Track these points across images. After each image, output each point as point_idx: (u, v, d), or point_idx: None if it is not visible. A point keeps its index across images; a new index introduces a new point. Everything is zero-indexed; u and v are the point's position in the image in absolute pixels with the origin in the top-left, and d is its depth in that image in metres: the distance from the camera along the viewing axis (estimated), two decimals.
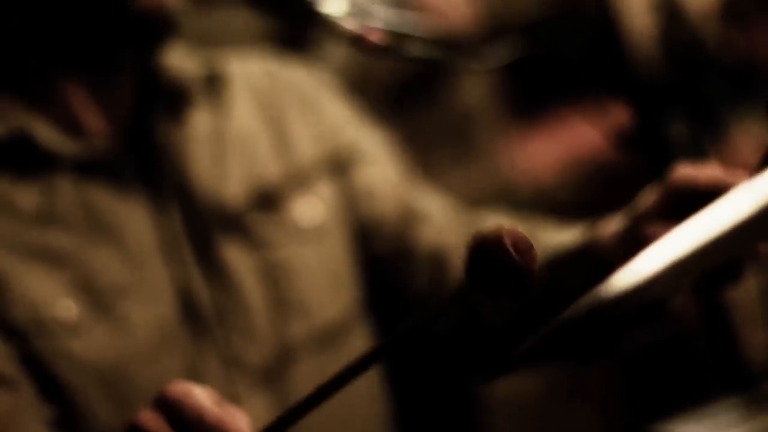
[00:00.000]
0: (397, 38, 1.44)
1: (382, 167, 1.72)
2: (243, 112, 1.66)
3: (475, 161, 3.44)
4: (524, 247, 0.87)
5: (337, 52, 2.53)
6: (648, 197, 1.36)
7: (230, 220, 1.58)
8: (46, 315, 1.45)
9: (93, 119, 1.54)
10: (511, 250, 0.86)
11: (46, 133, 1.51)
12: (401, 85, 3.00)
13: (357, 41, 1.40)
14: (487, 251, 0.86)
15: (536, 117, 3.48)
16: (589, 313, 0.89)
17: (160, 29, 1.52)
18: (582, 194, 3.51)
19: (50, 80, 1.53)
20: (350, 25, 1.40)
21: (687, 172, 1.33)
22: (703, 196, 1.23)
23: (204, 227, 1.56)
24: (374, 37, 1.38)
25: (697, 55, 3.53)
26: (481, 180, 3.41)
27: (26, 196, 1.49)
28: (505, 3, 3.49)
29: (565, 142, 3.50)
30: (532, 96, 3.41)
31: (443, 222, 1.69)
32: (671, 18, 3.54)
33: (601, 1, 3.46)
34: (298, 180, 1.64)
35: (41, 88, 1.53)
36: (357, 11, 1.44)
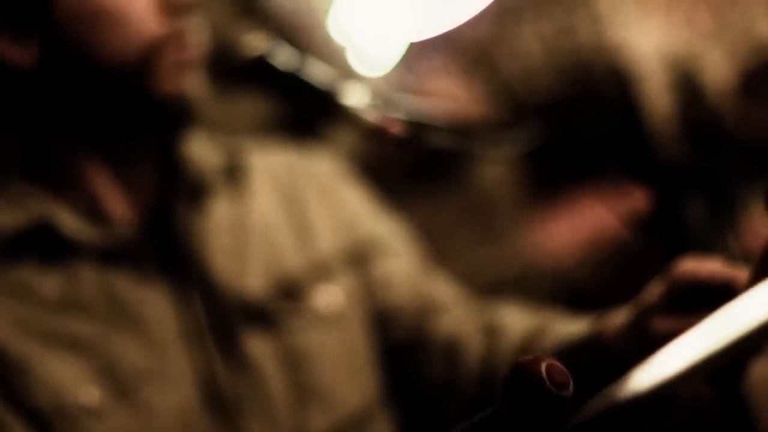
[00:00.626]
0: (418, 128, 1.45)
1: (399, 258, 1.73)
2: (264, 202, 1.69)
3: (496, 243, 3.47)
4: (560, 380, 0.87)
5: (355, 136, 2.57)
6: (653, 290, 1.36)
7: (251, 310, 1.59)
8: (68, 401, 1.46)
9: (116, 206, 1.56)
10: (547, 380, 0.86)
11: (69, 221, 1.53)
12: (421, 167, 3.02)
13: (378, 133, 1.42)
14: (523, 379, 0.87)
15: (556, 199, 3.49)
16: (603, 414, 0.89)
17: (182, 117, 1.55)
18: (601, 276, 3.52)
19: (73, 167, 1.55)
20: (371, 116, 1.41)
21: (690, 266, 1.33)
22: (707, 290, 1.24)
23: (225, 316, 1.57)
24: (395, 128, 1.40)
25: (716, 133, 3.55)
26: (501, 262, 3.43)
27: (49, 284, 1.51)
28: (524, 85, 3.53)
29: (584, 225, 3.51)
30: (551, 178, 3.43)
31: (458, 313, 1.70)
32: (690, 97, 3.57)
33: (620, 82, 3.50)
34: (319, 269, 1.66)
35: (64, 174, 1.56)
36: (377, 102, 1.46)
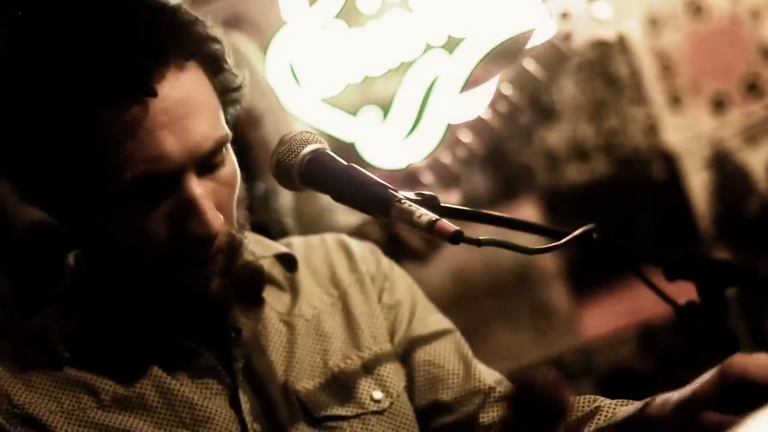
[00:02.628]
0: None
1: (446, 344, 1.74)
2: (312, 293, 1.71)
3: (551, 328, 3.50)
4: (553, 387, 0.94)
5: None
6: (703, 383, 1.38)
7: (302, 404, 1.62)
8: None
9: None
10: (542, 385, 0.94)
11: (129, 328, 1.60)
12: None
13: (432, 229, 1.42)
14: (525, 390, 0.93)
15: (605, 285, 3.51)
16: None
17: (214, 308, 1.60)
18: (645, 362, 3.53)
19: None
20: (427, 214, 1.43)
21: (740, 362, 1.35)
22: (755, 385, 1.26)
23: (277, 412, 1.60)
24: (450, 227, 1.40)
25: (758, 214, 3.56)
26: (557, 346, 3.45)
27: (107, 383, 1.57)
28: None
29: (634, 311, 3.52)
30: (600, 264, 3.46)
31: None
32: (732, 182, 3.59)
33: (666, 164, 3.52)
34: (367, 363, 1.68)
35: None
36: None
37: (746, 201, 3.66)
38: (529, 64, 2.69)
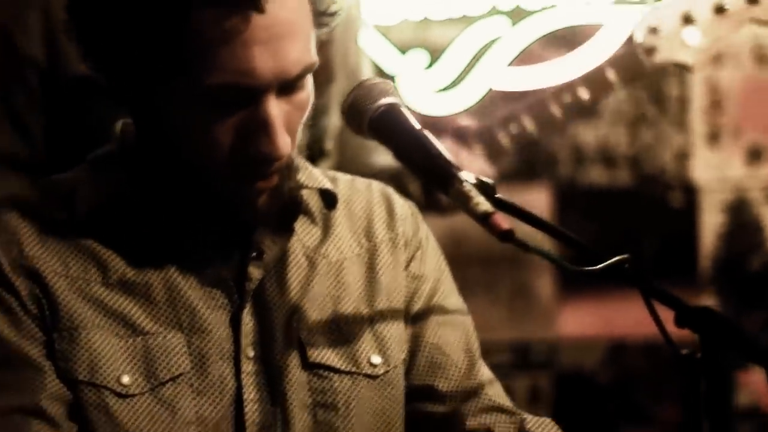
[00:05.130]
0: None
1: (456, 332, 1.72)
2: (343, 237, 1.69)
3: (527, 314, 3.51)
4: None
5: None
6: None
7: (299, 348, 1.61)
8: (100, 377, 1.53)
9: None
10: None
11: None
12: None
13: (486, 221, 1.42)
14: None
15: (592, 289, 3.52)
16: None
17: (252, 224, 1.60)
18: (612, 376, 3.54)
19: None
20: (484, 204, 1.42)
21: None
22: None
23: (273, 348, 1.60)
24: (504, 223, 1.40)
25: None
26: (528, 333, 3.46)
27: (119, 262, 1.57)
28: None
29: (611, 323, 3.53)
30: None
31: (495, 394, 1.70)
32: (745, 232, 3.58)
33: (686, 194, 3.52)
34: (375, 326, 1.66)
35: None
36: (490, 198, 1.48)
37: (752, 255, 3.66)
38: (608, 70, 2.67)
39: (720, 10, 2.51)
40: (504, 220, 1.41)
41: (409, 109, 1.54)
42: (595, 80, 2.67)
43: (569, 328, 3.61)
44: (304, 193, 1.65)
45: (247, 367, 1.58)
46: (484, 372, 1.71)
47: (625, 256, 1.49)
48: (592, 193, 3.65)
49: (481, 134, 2.70)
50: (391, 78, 3.24)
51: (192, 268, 1.58)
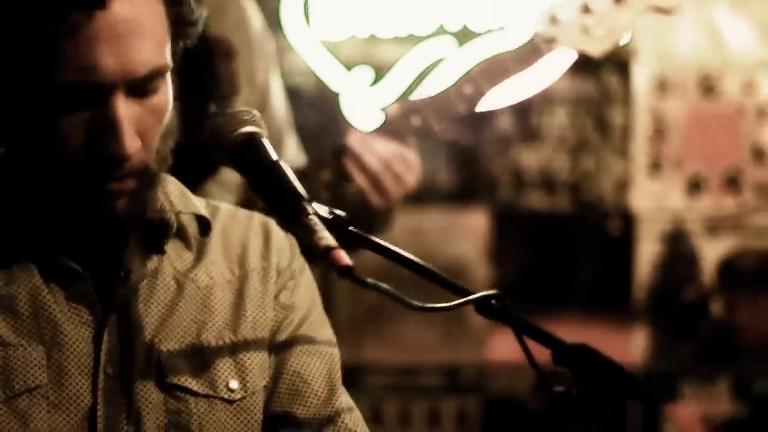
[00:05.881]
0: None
1: (319, 361, 1.72)
2: (215, 264, 1.69)
3: (460, 337, 3.50)
4: None
5: None
6: None
7: (157, 370, 1.61)
8: None
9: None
10: None
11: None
12: None
13: (326, 256, 1.42)
14: None
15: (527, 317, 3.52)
16: None
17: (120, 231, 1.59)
18: (543, 403, 3.54)
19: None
20: (327, 239, 1.42)
21: None
22: None
23: (131, 367, 1.59)
24: (344, 259, 1.40)
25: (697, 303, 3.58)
26: (459, 356, 3.45)
27: None
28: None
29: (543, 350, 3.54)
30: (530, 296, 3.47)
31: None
32: (680, 263, 3.60)
33: (624, 223, 3.53)
34: (236, 352, 1.66)
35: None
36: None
37: (686, 287, 3.68)
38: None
39: None
40: (344, 257, 1.40)
41: (269, 143, 1.54)
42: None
43: (500, 353, 3.61)
44: (184, 218, 1.66)
45: (104, 384, 1.57)
46: (344, 400, 1.72)
47: (492, 292, 1.50)
48: (530, 218, 3.66)
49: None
50: (336, 94, 3.26)
51: (59, 283, 1.58)
